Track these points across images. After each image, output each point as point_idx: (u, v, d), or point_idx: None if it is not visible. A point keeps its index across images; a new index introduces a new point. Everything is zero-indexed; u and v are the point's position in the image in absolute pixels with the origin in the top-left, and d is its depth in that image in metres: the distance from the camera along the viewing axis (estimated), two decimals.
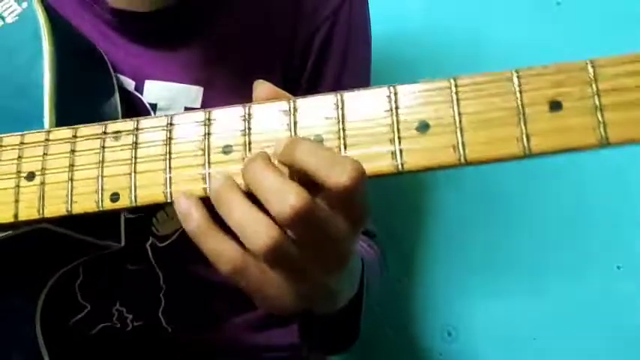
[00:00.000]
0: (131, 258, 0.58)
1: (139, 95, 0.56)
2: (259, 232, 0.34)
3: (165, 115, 0.39)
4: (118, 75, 0.56)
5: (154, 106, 0.57)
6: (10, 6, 0.49)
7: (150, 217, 0.58)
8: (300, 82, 0.61)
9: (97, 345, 0.58)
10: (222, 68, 0.58)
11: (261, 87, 0.38)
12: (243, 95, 0.57)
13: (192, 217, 0.36)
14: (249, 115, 0.38)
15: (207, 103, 0.57)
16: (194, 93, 0.57)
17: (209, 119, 0.39)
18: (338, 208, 0.35)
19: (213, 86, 0.57)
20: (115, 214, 0.49)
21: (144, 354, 0.60)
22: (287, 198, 0.33)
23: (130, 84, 0.56)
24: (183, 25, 0.57)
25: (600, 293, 0.87)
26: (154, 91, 0.56)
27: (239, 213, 0.35)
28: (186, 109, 0.57)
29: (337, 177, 0.33)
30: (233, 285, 0.62)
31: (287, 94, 0.38)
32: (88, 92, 0.50)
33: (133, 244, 0.54)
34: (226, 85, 0.58)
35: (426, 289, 0.95)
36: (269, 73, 0.59)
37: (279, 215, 0.33)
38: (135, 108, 0.56)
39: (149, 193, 0.39)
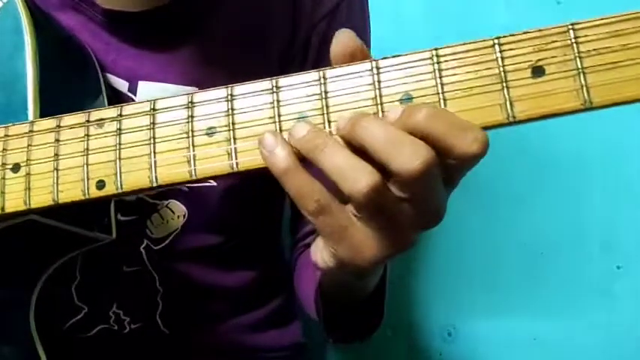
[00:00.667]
0: (126, 260, 0.57)
1: (133, 96, 0.56)
2: (362, 174, 0.33)
3: (148, 101, 0.39)
4: (111, 76, 0.55)
5: None
6: None
7: (144, 219, 0.57)
8: None
9: (95, 346, 0.57)
10: (217, 69, 0.57)
11: (342, 36, 0.36)
12: None
13: (280, 154, 0.35)
14: (232, 95, 0.38)
15: None
16: None
17: (192, 102, 0.38)
18: (451, 172, 0.34)
19: (208, 87, 0.57)
20: (104, 204, 0.49)
21: (142, 355, 0.59)
22: (418, 153, 0.32)
23: (123, 85, 0.56)
24: (177, 25, 0.57)
25: (600, 293, 0.87)
26: (147, 92, 0.56)
27: (340, 157, 0.33)
28: None
29: (468, 145, 0.32)
30: (230, 287, 0.62)
31: (366, 52, 0.37)
32: (73, 87, 0.50)
33: (127, 246, 0.54)
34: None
35: (426, 289, 0.94)
36: (266, 73, 0.59)
37: (403, 170, 0.32)
38: None
39: (134, 178, 0.38)
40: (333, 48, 0.36)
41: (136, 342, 0.59)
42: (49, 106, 0.45)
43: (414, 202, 0.33)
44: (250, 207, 0.61)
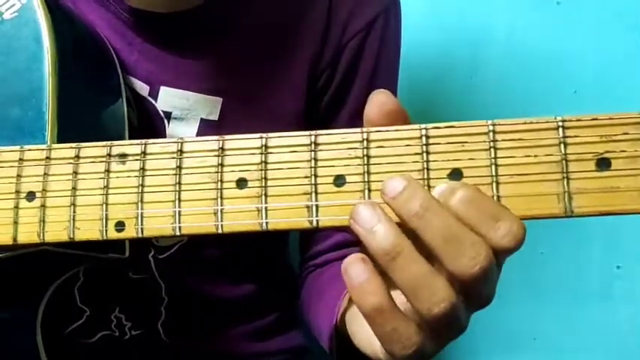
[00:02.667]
0: (133, 268, 0.56)
1: (153, 101, 0.53)
2: (438, 292, 0.30)
3: (176, 141, 0.37)
4: (132, 78, 0.52)
5: (167, 115, 0.53)
6: (8, 0, 0.45)
7: None
8: (325, 94, 0.58)
9: (97, 353, 0.57)
10: (243, 79, 0.54)
11: (379, 96, 0.33)
12: (263, 108, 0.55)
13: (374, 291, 0.31)
14: (267, 147, 0.35)
15: (225, 116, 0.54)
16: (212, 104, 0.53)
17: (222, 149, 0.36)
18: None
19: (233, 98, 0.54)
20: None
21: None
22: (481, 252, 0.29)
23: (143, 88, 0.53)
24: (204, 31, 0.53)
25: (600, 293, 0.87)
26: (168, 98, 0.53)
27: (416, 269, 0.30)
28: (202, 120, 0.54)
29: (500, 238, 0.30)
30: (234, 299, 0.61)
31: (405, 113, 0.34)
32: (93, 96, 0.47)
33: (135, 255, 0.52)
34: (247, 98, 0.54)
35: None
36: (293, 85, 0.56)
37: (466, 271, 0.29)
38: (147, 115, 0.53)
39: (157, 225, 0.36)
40: (369, 107, 0.34)
41: (137, 349, 0.58)
42: (68, 124, 0.42)
43: (471, 299, 0.31)
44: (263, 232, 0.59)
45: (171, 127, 0.53)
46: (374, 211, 0.31)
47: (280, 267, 0.68)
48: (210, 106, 0.53)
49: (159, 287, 0.57)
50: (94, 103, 0.46)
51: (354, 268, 0.31)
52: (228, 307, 0.61)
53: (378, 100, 0.33)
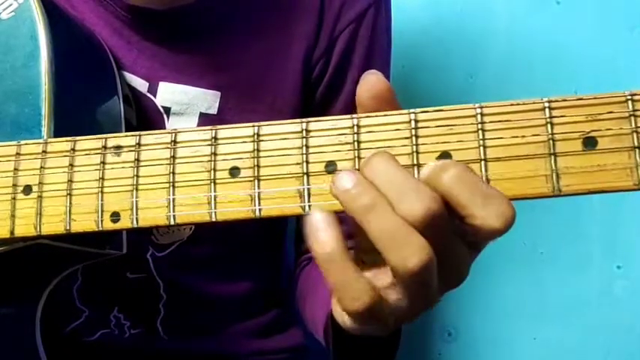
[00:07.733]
0: (131, 267, 0.56)
1: (152, 97, 0.54)
2: (414, 249, 0.30)
3: (169, 132, 0.37)
4: (131, 75, 0.53)
5: (167, 110, 0.54)
6: (6, 0, 0.46)
7: (150, 227, 0.56)
8: (319, 86, 0.59)
9: (97, 351, 0.57)
10: (241, 73, 0.55)
11: (370, 77, 0.34)
12: (261, 101, 0.55)
13: (327, 238, 0.31)
14: (259, 135, 0.36)
15: (224, 110, 0.55)
16: (211, 98, 0.54)
17: (215, 138, 0.36)
18: (470, 239, 0.32)
19: (231, 92, 0.54)
20: None
21: None
22: (423, 197, 0.30)
23: (142, 85, 0.53)
24: (203, 26, 0.54)
25: (600, 293, 0.88)
26: (168, 94, 0.53)
27: (392, 222, 0.30)
28: (202, 114, 0.54)
29: (490, 218, 0.30)
30: (233, 296, 0.61)
31: (395, 97, 0.34)
32: (88, 95, 0.48)
33: (133, 254, 0.53)
34: (245, 91, 0.55)
35: None
36: (290, 78, 0.57)
37: (410, 214, 0.30)
38: (146, 111, 0.53)
39: (152, 215, 0.37)
40: (360, 88, 0.34)
41: (137, 347, 0.58)
42: (64, 120, 0.43)
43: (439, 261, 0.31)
44: (256, 219, 0.60)
45: (171, 122, 0.54)
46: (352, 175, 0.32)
47: (279, 265, 0.68)
48: (209, 101, 0.54)
49: (157, 286, 0.57)
50: (90, 100, 0.47)
51: (317, 216, 0.31)
52: (227, 305, 0.62)
53: (369, 82, 0.34)
